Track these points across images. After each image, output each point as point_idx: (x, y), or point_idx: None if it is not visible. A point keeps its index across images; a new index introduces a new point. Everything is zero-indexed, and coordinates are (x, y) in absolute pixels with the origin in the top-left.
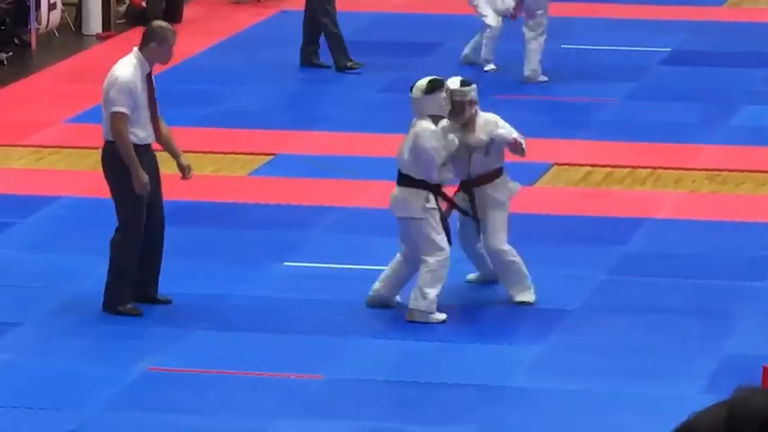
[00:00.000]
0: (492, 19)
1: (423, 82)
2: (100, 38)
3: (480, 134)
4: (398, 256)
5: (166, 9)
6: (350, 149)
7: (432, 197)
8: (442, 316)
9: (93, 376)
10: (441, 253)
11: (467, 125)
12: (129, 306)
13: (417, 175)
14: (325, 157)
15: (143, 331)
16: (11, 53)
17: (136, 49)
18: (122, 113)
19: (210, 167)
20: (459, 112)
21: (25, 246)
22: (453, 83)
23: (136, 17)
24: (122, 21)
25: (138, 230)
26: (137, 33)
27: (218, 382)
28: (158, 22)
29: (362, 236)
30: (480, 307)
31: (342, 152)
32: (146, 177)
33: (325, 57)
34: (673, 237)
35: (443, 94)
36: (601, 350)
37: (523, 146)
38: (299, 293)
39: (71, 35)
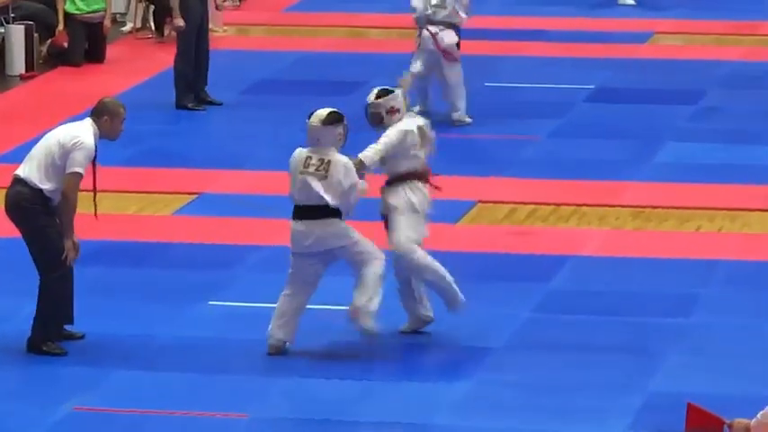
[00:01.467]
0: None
1: (323, 112)
2: (23, 78)
3: None
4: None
5: (89, 49)
6: (275, 188)
7: None
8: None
9: (18, 416)
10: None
11: None
12: (53, 345)
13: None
14: (250, 197)
15: (68, 371)
16: None
17: (88, 119)
18: (81, 176)
19: (134, 207)
20: (378, 123)
21: None
22: (369, 96)
23: (57, 56)
24: (42, 62)
25: (66, 268)
26: (60, 73)
27: (143, 421)
28: (109, 98)
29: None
30: (405, 345)
31: (267, 191)
32: (75, 244)
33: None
34: (597, 274)
35: (340, 129)
36: (527, 388)
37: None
38: (224, 333)
39: None
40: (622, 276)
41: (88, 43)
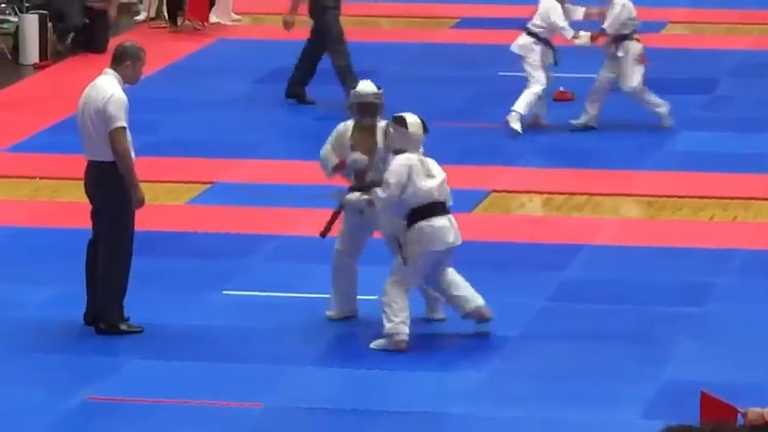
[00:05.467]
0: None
1: (416, 118)
2: (37, 67)
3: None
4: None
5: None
6: (288, 177)
7: None
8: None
9: (32, 405)
10: None
11: (374, 130)
12: (130, 324)
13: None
14: (264, 186)
15: (82, 360)
16: None
17: (108, 69)
18: (125, 128)
19: (148, 196)
20: (377, 114)
21: None
22: (369, 85)
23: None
24: (64, 51)
25: (130, 249)
26: (74, 63)
27: (157, 411)
28: (129, 42)
29: (301, 264)
30: (419, 334)
31: (280, 180)
32: (143, 193)
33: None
34: (611, 263)
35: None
36: (540, 377)
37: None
38: (238, 322)
39: (8, 65)
40: (636, 265)
41: (91, 31)
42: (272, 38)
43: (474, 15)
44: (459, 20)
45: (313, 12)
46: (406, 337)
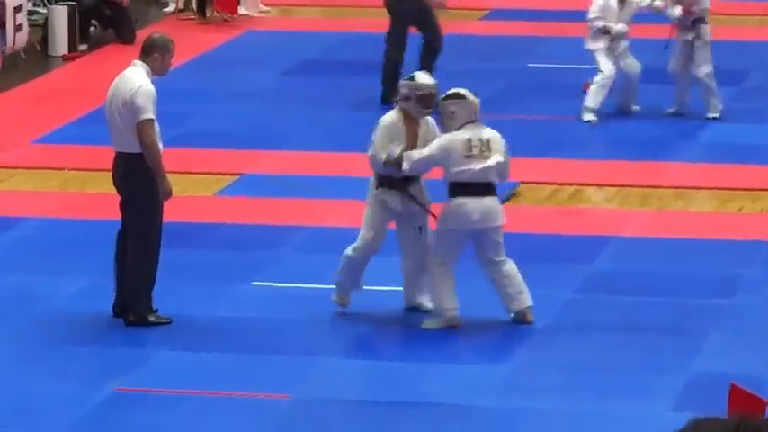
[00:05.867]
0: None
1: (465, 90)
2: (66, 59)
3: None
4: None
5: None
6: (317, 169)
7: None
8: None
9: (61, 397)
10: None
11: (418, 121)
12: (159, 315)
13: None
14: (292, 177)
15: (111, 352)
16: None
17: (137, 61)
18: (153, 120)
19: (177, 188)
20: (433, 106)
21: None
22: (428, 77)
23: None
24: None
25: (158, 241)
26: (102, 54)
27: (185, 402)
28: (158, 33)
29: (330, 255)
30: (448, 327)
31: (309, 172)
32: (171, 185)
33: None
34: (640, 255)
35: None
36: (569, 368)
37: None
38: (267, 313)
39: (37, 56)
40: (665, 257)
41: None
42: (301, 29)
43: (503, 6)
44: (488, 11)
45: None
46: (456, 312)
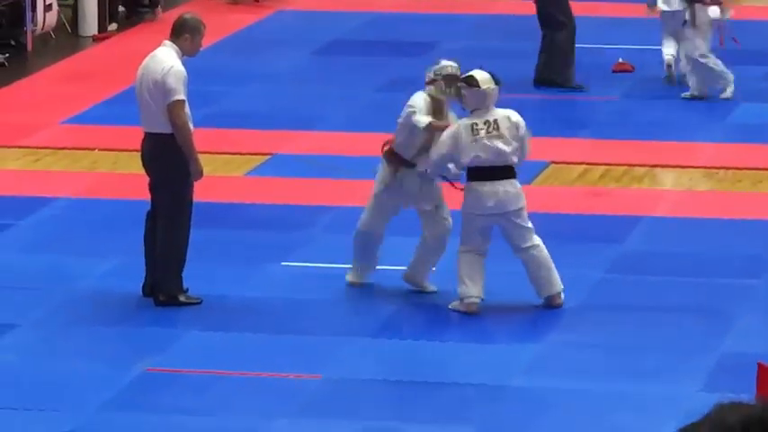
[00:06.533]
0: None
1: (486, 75)
2: (96, 39)
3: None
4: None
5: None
6: (347, 149)
7: None
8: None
9: (91, 377)
10: None
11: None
12: (189, 295)
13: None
14: (323, 157)
15: (141, 332)
16: (7, 55)
17: (167, 41)
18: (184, 101)
19: (207, 168)
20: (453, 83)
21: (22, 247)
22: (448, 61)
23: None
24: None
25: (189, 222)
26: (133, 34)
27: (215, 382)
28: (189, 14)
29: None
30: (478, 307)
31: (339, 152)
32: (202, 165)
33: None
34: (670, 235)
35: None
36: (599, 348)
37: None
38: (297, 293)
39: (67, 36)
40: (695, 237)
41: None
42: (331, 9)
43: None
44: None
45: None
46: (476, 300)
